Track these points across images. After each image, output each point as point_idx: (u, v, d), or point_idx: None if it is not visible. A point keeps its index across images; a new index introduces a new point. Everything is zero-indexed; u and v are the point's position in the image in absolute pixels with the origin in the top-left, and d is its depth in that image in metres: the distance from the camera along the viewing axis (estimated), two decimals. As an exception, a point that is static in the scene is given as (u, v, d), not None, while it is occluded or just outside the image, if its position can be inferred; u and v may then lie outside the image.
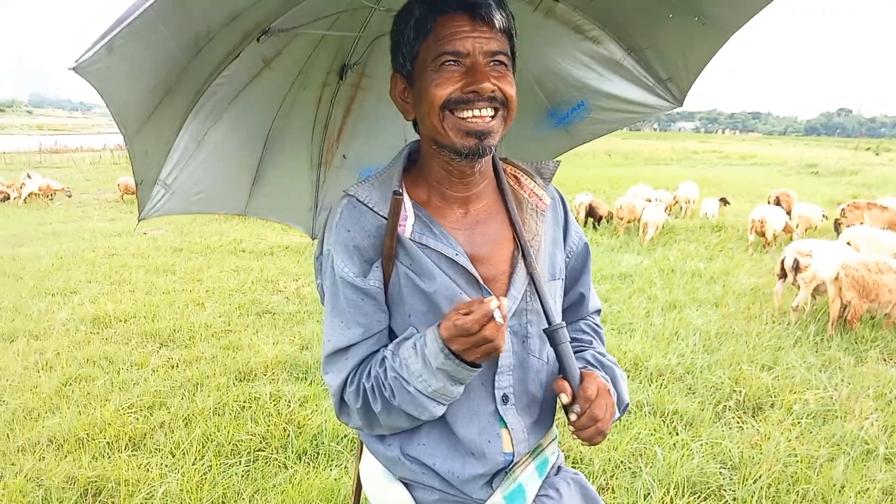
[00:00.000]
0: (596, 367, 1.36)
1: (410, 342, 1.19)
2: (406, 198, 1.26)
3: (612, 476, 3.45)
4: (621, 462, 3.57)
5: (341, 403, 1.28)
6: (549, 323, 1.25)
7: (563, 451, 3.66)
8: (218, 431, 3.78)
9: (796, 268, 6.13)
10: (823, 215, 10.84)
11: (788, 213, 12.17)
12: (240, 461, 3.50)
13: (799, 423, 4.03)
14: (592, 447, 3.68)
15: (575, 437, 1.21)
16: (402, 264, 1.23)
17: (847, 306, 5.69)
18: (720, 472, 3.49)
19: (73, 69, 0.94)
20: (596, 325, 1.53)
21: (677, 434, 3.89)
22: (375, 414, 1.22)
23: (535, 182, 1.38)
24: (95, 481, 3.30)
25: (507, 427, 1.29)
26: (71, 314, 6.20)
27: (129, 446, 3.67)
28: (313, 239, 1.76)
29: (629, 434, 3.81)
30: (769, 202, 12.59)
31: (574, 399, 1.19)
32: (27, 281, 7.59)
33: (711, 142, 60.84)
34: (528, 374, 1.30)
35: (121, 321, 6.02)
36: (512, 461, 1.30)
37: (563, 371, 1.22)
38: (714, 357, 5.10)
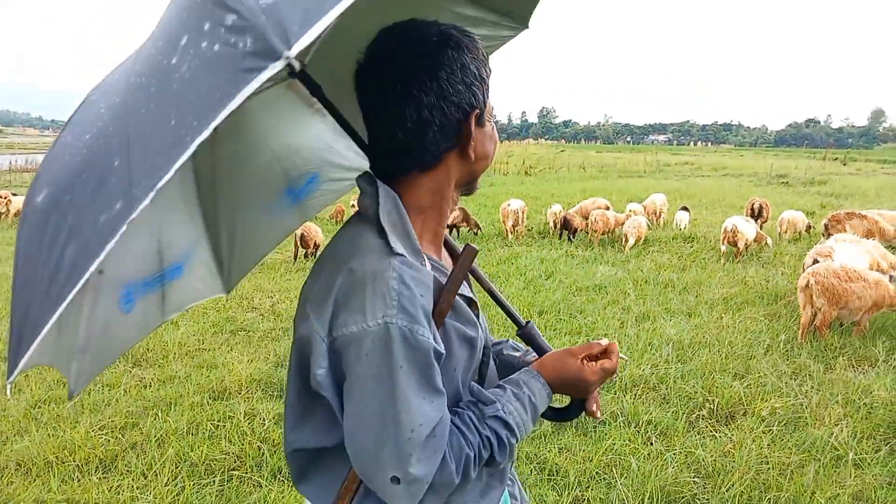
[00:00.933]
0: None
1: (511, 395, 1.20)
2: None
3: (588, 487, 3.47)
4: (596, 473, 3.59)
5: (428, 491, 1.10)
6: (520, 325, 1.38)
7: (538, 462, 3.69)
8: (191, 451, 3.74)
9: None
10: (809, 225, 11.51)
11: (765, 220, 12.58)
12: (213, 481, 3.46)
13: (770, 430, 4.09)
14: (565, 459, 3.70)
15: (592, 410, 1.33)
16: (450, 318, 1.17)
17: (817, 314, 5.80)
18: (694, 481, 3.52)
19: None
20: None
21: (651, 444, 3.93)
22: (467, 482, 1.14)
23: None
24: (65, 505, 3.25)
25: None
26: (41, 335, 6.09)
27: (99, 468, 3.62)
28: (70, 400, 1.44)
29: (604, 445, 3.83)
30: (747, 211, 12.94)
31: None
32: (-4, 302, 7.46)
33: (684, 154, 61.75)
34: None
35: (92, 341, 5.93)
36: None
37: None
38: (687, 366, 5.16)
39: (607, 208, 12.46)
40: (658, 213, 13.38)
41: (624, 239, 10.70)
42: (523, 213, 11.59)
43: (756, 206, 13.02)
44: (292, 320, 1.19)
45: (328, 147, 1.64)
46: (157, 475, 3.50)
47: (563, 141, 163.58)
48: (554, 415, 1.37)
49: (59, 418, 4.26)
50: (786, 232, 11.33)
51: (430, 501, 1.11)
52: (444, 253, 1.31)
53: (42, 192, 0.99)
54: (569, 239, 11.50)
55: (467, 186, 1.27)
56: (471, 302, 1.23)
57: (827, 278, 5.74)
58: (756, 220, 12.97)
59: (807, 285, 5.82)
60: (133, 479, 3.48)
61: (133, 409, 4.39)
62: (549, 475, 3.58)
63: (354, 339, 1.03)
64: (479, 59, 1.15)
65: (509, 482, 1.39)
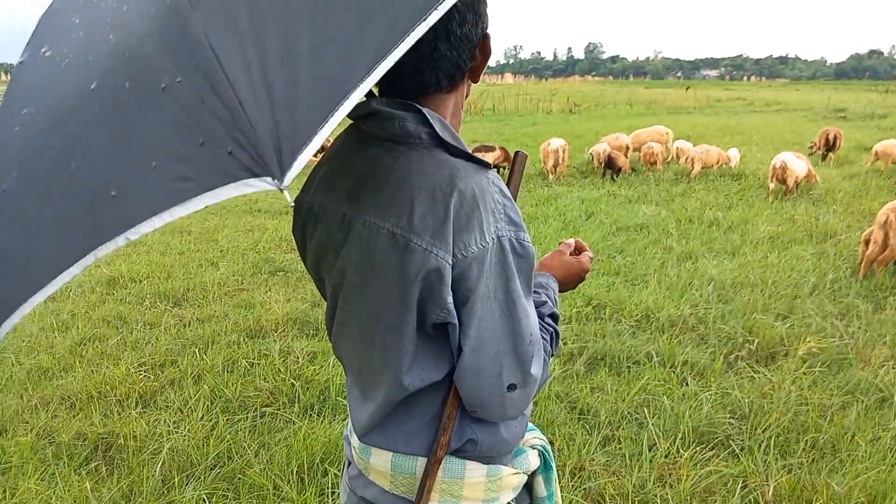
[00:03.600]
0: None
1: (543, 296, 1.30)
2: None
3: (619, 427, 3.43)
4: (628, 413, 3.54)
5: (537, 389, 1.18)
6: None
7: (569, 401, 3.66)
8: (226, 388, 3.81)
9: None
10: None
11: (838, 150, 12.34)
12: (247, 416, 3.54)
13: (812, 371, 3.97)
14: (596, 399, 3.66)
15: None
16: None
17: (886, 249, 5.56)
18: (729, 422, 3.45)
19: None
20: None
21: (686, 385, 3.85)
22: (546, 378, 1.23)
23: None
24: (105, 437, 3.36)
25: None
26: (87, 276, 6.26)
27: (139, 403, 3.73)
28: None
29: (637, 385, 3.78)
30: (821, 142, 12.63)
31: None
32: (45, 244, 7.67)
33: (736, 89, 59.38)
34: None
35: (135, 282, 6.08)
36: None
37: None
38: (728, 307, 5.03)
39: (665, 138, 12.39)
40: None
41: (690, 165, 11.09)
42: (564, 151, 11.32)
43: (831, 136, 12.57)
44: (373, 262, 1.09)
45: None
46: (192, 411, 3.58)
47: (610, 77, 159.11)
48: None
49: (102, 355, 4.39)
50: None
51: (527, 402, 1.16)
52: None
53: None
54: (612, 178, 11.23)
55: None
56: None
57: None
58: (830, 152, 12.58)
59: (886, 221, 5.55)
60: (170, 414, 3.57)
61: (172, 347, 4.50)
62: (579, 414, 3.56)
63: (476, 259, 1.03)
64: None
65: None
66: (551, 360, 1.26)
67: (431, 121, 1.08)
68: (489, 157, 11.49)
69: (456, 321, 1.07)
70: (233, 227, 8.37)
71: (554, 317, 1.28)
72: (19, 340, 4.67)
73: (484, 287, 1.05)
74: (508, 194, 1.09)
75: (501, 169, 11.76)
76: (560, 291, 1.39)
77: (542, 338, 1.19)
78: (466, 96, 1.23)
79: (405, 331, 1.11)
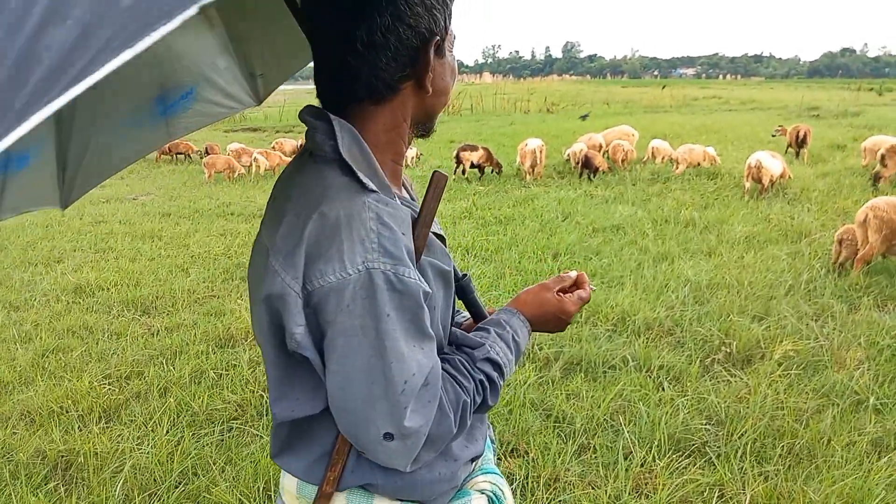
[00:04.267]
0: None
1: (495, 336, 1.17)
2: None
3: (594, 435, 3.38)
4: (604, 420, 3.49)
5: (426, 443, 1.03)
6: (458, 278, 1.26)
7: (545, 409, 3.60)
8: (193, 401, 3.71)
9: None
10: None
11: (804, 142, 12.51)
12: (213, 430, 3.43)
13: (788, 374, 3.95)
14: (572, 406, 3.61)
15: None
16: (424, 254, 1.07)
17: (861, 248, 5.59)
18: (705, 429, 3.41)
19: None
20: None
21: (663, 390, 3.81)
22: (462, 430, 1.08)
23: None
24: (66, 455, 3.25)
25: None
26: (53, 284, 6.11)
27: (102, 418, 3.61)
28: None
29: (613, 390, 3.73)
30: (792, 139, 12.72)
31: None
32: (11, 251, 7.49)
33: (712, 87, 59.88)
34: None
35: (103, 289, 5.93)
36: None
37: (477, 317, 1.30)
38: (704, 308, 5.00)
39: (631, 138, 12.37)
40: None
41: (675, 165, 11.16)
42: (541, 152, 11.28)
43: (801, 132, 12.66)
44: (246, 278, 1.07)
45: (211, 63, 1.49)
46: (157, 425, 3.47)
47: (587, 76, 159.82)
48: None
49: (65, 367, 4.26)
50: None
51: (426, 455, 1.05)
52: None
53: None
54: (589, 178, 11.22)
55: (423, 126, 1.14)
56: (439, 236, 1.18)
57: (887, 212, 5.48)
58: (801, 148, 12.67)
59: (864, 219, 5.57)
60: (134, 430, 3.46)
61: (139, 357, 4.37)
62: (555, 422, 3.50)
63: (334, 290, 0.93)
64: None
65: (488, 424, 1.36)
66: (476, 408, 1.10)
67: (338, 133, 1.00)
68: (473, 157, 11.46)
69: (311, 354, 0.99)
70: (205, 231, 8.23)
71: (493, 363, 1.12)
72: (-21, 353, 4.52)
73: (347, 321, 0.94)
74: (392, 223, 0.96)
75: (484, 169, 11.71)
76: (537, 330, 1.25)
77: (460, 386, 1.06)
78: (429, 112, 1.13)
79: (268, 356, 1.06)
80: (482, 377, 1.10)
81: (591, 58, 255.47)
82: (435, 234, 1.14)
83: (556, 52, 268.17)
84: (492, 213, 8.89)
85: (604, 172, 11.43)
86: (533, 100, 35.78)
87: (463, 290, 1.27)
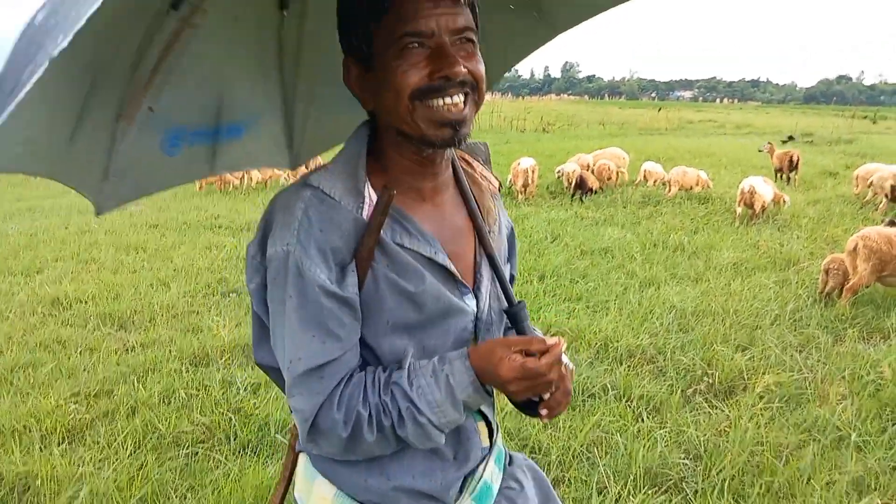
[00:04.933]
0: None
1: (429, 370, 1.10)
2: (370, 191, 1.13)
3: (570, 467, 3.29)
4: (580, 451, 3.41)
5: (312, 430, 1.09)
6: (511, 303, 1.25)
7: (520, 439, 3.52)
8: (160, 422, 3.61)
9: None
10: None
11: (796, 167, 12.67)
12: (178, 454, 3.33)
13: (770, 407, 3.87)
14: (548, 437, 3.53)
15: (541, 413, 1.14)
16: (381, 267, 1.10)
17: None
18: (683, 463, 3.33)
19: None
20: None
21: (642, 420, 3.73)
22: (364, 442, 1.09)
23: (481, 164, 1.31)
24: (24, 478, 3.14)
25: (483, 419, 1.28)
26: (30, 295, 6.01)
27: (65, 439, 3.51)
28: (97, 216, 1.43)
29: (591, 421, 3.65)
30: (784, 164, 12.71)
31: None
32: (-9, 260, 7.39)
33: (708, 111, 60.24)
34: None
35: (80, 302, 5.83)
36: (486, 455, 1.28)
37: None
38: (688, 336, 4.94)
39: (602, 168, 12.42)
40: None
41: (668, 188, 11.15)
42: (534, 172, 11.26)
43: (794, 158, 12.74)
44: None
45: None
46: (120, 447, 3.37)
47: (585, 97, 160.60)
48: (516, 404, 1.21)
49: (33, 384, 4.16)
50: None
51: (326, 446, 1.11)
52: (443, 209, 1.21)
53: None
54: (581, 199, 11.18)
55: (421, 139, 1.08)
56: (429, 262, 1.14)
57: (877, 242, 5.45)
58: (791, 173, 12.73)
59: (854, 248, 5.53)
60: (96, 452, 3.36)
61: (110, 375, 4.27)
62: (531, 452, 3.41)
63: (270, 262, 1.08)
64: None
65: (486, 477, 1.28)
66: (394, 436, 1.09)
67: (350, 137, 1.17)
68: None
69: (258, 310, 1.16)
70: (191, 244, 8.14)
71: (403, 392, 1.08)
72: (-54, 367, 4.42)
73: (272, 291, 1.09)
74: (315, 219, 1.06)
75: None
76: (487, 382, 1.11)
77: (363, 396, 1.08)
78: (398, 128, 1.10)
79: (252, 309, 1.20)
80: (388, 401, 1.08)
81: (590, 78, 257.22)
82: (429, 259, 1.14)
83: (555, 72, 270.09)
84: (481, 232, 8.82)
85: (595, 193, 11.41)
86: (529, 118, 35.89)
87: (512, 318, 1.25)
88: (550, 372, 1.04)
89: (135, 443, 3.43)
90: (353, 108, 1.33)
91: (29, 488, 3.08)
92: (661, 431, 3.58)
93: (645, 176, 12.28)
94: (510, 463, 1.41)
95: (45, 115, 0.95)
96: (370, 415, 1.07)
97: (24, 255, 7.63)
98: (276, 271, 1.06)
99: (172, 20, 1.13)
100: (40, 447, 3.40)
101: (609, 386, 4.10)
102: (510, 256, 1.43)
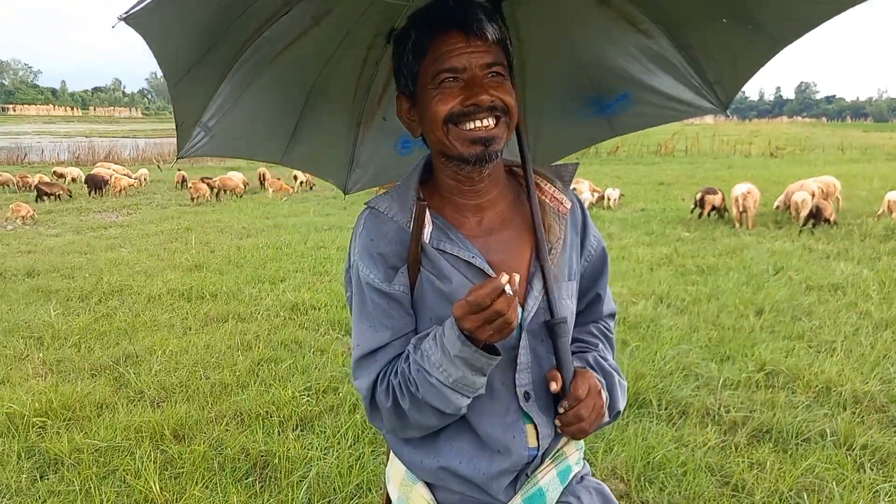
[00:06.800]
0: (594, 369, 1.38)
1: (431, 334, 1.23)
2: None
3: (775, 510, 3.13)
4: (787, 495, 3.22)
5: (372, 406, 1.30)
6: (553, 316, 1.30)
7: (722, 475, 3.41)
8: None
9: None
10: None
11: None
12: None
13: None
14: (753, 476, 3.36)
15: (558, 429, 1.30)
16: (425, 269, 1.28)
17: None
18: (911, 522, 3.03)
19: (123, 20, 1.02)
20: (607, 329, 1.54)
21: (863, 471, 3.43)
22: (405, 411, 1.24)
23: (554, 186, 1.41)
24: (264, 455, 3.65)
25: (532, 422, 1.33)
26: (274, 301, 6.87)
27: (298, 426, 4.01)
28: (346, 194, 1.92)
29: (803, 465, 3.43)
30: None
31: (563, 393, 1.26)
32: (246, 269, 8.53)
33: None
34: (545, 372, 1.33)
35: (315, 309, 6.56)
36: (536, 456, 1.32)
37: (557, 365, 1.29)
38: (930, 387, 4.42)
39: (822, 193, 11.31)
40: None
41: (794, 211, 10.31)
42: (748, 198, 10.63)
43: None
44: None
45: (644, 69, 1.64)
46: (343, 438, 3.79)
47: (824, 119, 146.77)
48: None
49: (274, 377, 4.78)
50: None
51: (382, 421, 1.30)
52: (490, 224, 1.36)
53: None
54: (811, 231, 10.30)
55: (458, 157, 1.26)
56: (470, 266, 1.28)
57: None
58: None
59: None
60: (323, 440, 3.80)
61: (336, 374, 4.79)
62: (732, 490, 3.29)
63: (348, 271, 1.38)
64: (407, 40, 1.28)
65: (542, 484, 1.33)
66: (400, 412, 1.25)
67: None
68: (713, 200, 11.67)
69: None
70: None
71: (418, 364, 1.21)
72: (209, 356, 5.22)
73: (349, 295, 1.38)
74: (367, 232, 1.31)
75: (724, 212, 11.73)
76: (471, 330, 1.12)
77: (395, 370, 1.26)
78: (441, 151, 1.30)
79: None
80: (406, 367, 1.23)
81: (829, 99, 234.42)
82: (468, 262, 1.28)
83: (788, 93, 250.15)
84: (694, 261, 8.53)
85: (831, 225, 10.47)
86: (756, 142, 33.65)
87: (549, 331, 1.30)
88: (494, 303, 1.07)
89: (355, 435, 3.83)
90: (575, 120, 1.69)
91: (268, 465, 3.58)
92: (886, 485, 3.28)
93: (889, 206, 11.03)
94: (579, 482, 1.43)
95: (266, 123, 1.58)
96: (399, 383, 1.23)
97: (270, 265, 8.72)
98: (349, 277, 1.37)
99: (391, 53, 1.41)
100: (278, 431, 3.93)
101: (828, 431, 3.81)
102: (600, 276, 1.51)
